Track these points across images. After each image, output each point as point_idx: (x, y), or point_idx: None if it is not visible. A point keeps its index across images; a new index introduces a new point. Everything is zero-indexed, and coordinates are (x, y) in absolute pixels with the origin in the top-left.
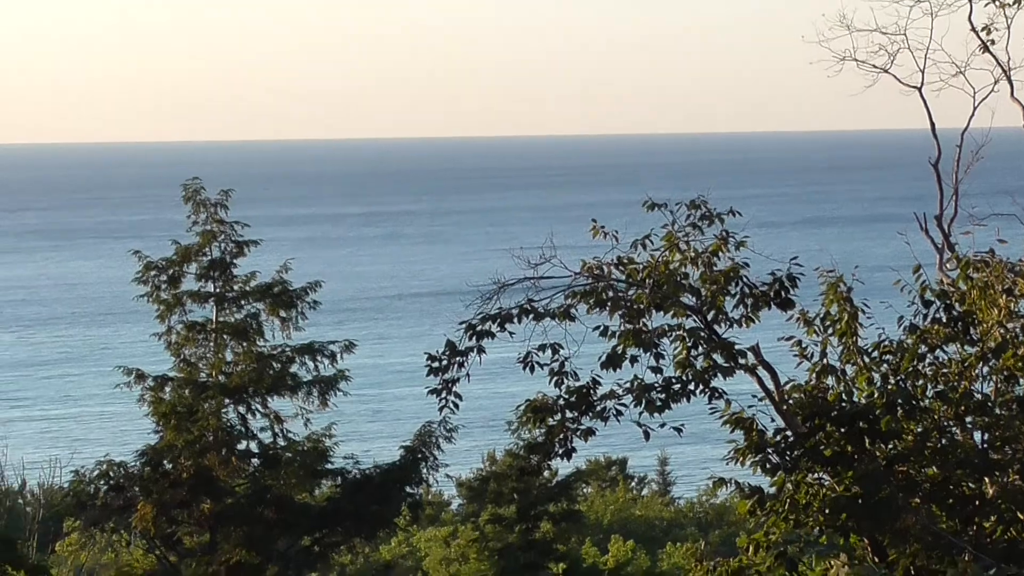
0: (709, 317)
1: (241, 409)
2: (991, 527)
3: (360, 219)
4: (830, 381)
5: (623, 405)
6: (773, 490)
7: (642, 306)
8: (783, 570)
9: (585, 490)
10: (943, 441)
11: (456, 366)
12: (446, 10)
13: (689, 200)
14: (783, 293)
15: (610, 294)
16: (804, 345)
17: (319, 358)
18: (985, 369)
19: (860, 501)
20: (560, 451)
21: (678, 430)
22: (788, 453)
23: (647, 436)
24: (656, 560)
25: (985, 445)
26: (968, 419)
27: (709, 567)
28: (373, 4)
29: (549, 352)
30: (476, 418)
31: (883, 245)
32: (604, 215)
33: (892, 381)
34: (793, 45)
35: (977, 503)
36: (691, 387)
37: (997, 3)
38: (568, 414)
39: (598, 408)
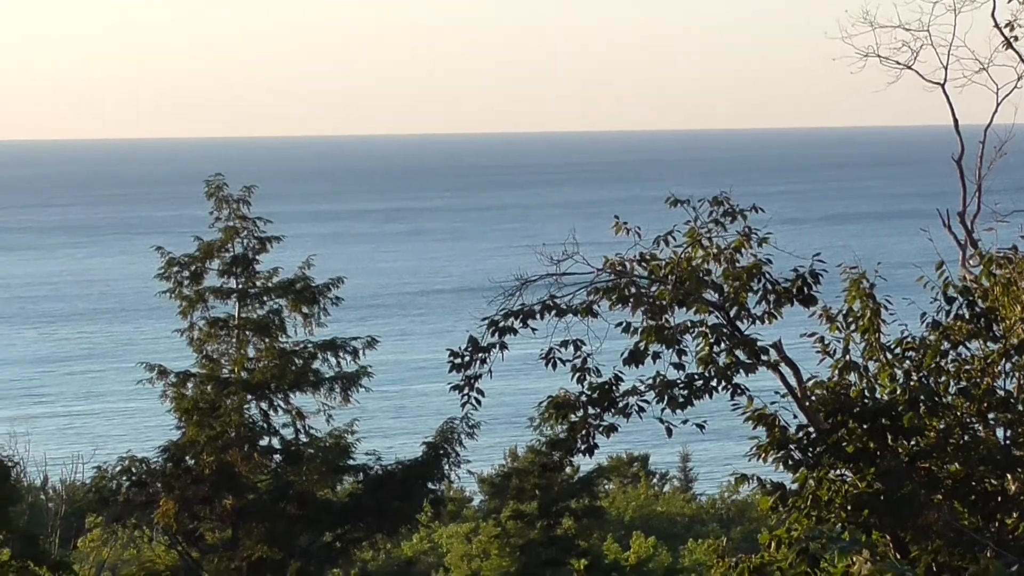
0: (732, 313)
1: (263, 405)
2: (1013, 524)
3: (382, 215)
4: (852, 377)
5: (645, 401)
6: (795, 486)
7: (665, 302)
8: (805, 566)
9: (607, 486)
10: (965, 437)
11: (478, 362)
12: (446, 10)
13: (712, 197)
14: (805, 289)
15: (633, 290)
16: (826, 342)
17: (341, 354)
18: (1008, 365)
19: (882, 497)
20: (582, 447)
21: (700, 427)
22: (810, 449)
23: (669, 432)
24: (678, 556)
25: (1007, 441)
26: (991, 415)
27: (731, 563)
28: (373, 4)
29: (571, 348)
30: (498, 414)
31: (906, 241)
32: (626, 211)
33: (915, 377)
34: (816, 41)
35: (999, 499)
36: (713, 383)
37: (1020, 0)
38: (590, 410)
39: (620, 404)
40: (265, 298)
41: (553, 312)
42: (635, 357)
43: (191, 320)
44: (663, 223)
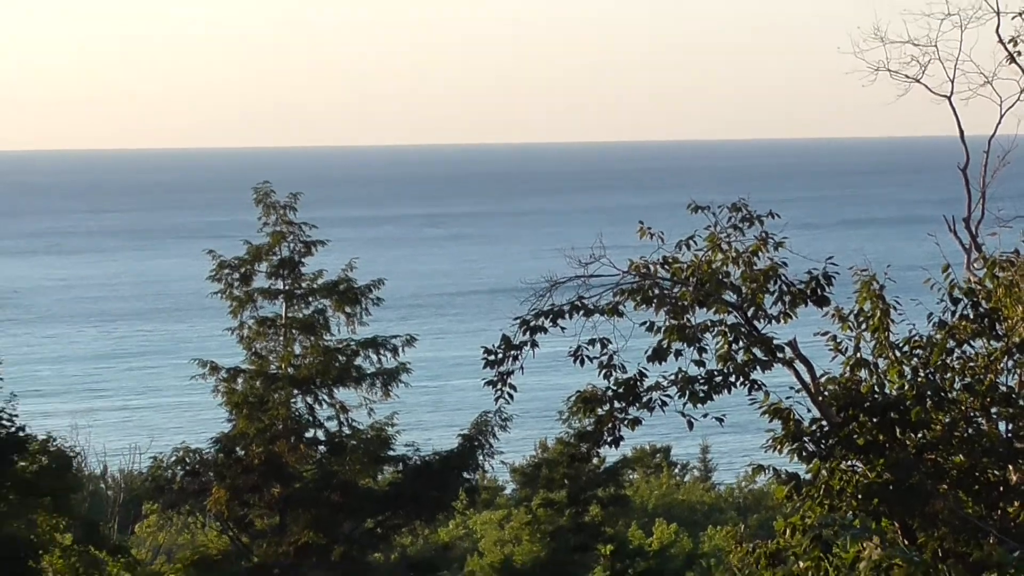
0: (749, 313)
1: (309, 399)
2: (1015, 512)
3: (420, 221)
4: (863, 374)
5: (668, 396)
6: (809, 476)
7: (686, 303)
8: (818, 552)
9: (631, 476)
10: (970, 431)
11: (511, 359)
12: (482, 28)
13: (731, 203)
14: (819, 291)
15: (656, 292)
16: (839, 340)
17: (382, 351)
18: (1010, 363)
19: (891, 487)
20: (608, 439)
21: (719, 420)
22: (823, 442)
23: (690, 425)
24: (698, 542)
25: (1009, 435)
26: (993, 410)
27: (748, 549)
28: (407, 25)
29: (598, 346)
30: (529, 408)
31: (915, 246)
32: (650, 217)
33: (922, 374)
34: (829, 56)
35: (1002, 489)
36: (732, 379)
37: (1023, 17)
38: (616, 404)
39: (644, 399)
40: (310, 298)
41: (581, 312)
42: (658, 354)
43: (241, 319)
44: (685, 228)
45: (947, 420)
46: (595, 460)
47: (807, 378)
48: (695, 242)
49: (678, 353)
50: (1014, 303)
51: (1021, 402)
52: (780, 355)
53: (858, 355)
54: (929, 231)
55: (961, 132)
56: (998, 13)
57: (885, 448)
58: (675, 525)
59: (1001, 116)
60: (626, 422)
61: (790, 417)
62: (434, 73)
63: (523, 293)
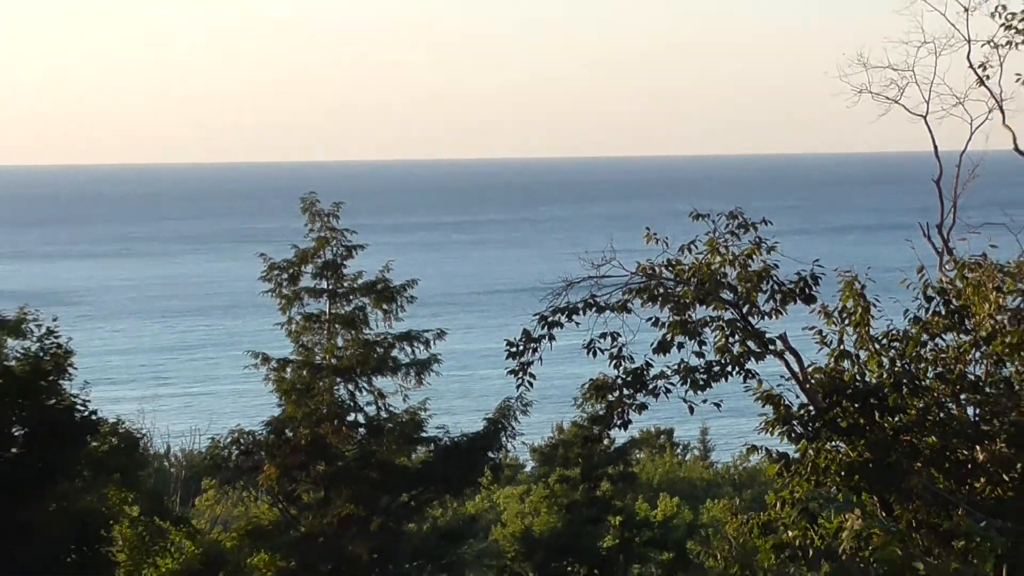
0: (744, 310)
1: (350, 387)
2: (982, 487)
3: (450, 228)
4: (846, 364)
5: (671, 384)
6: (797, 456)
7: (688, 301)
8: (805, 523)
9: (638, 455)
10: (941, 415)
11: (531, 351)
12: (509, 51)
13: (728, 212)
14: (807, 290)
15: (661, 291)
16: (824, 334)
17: (415, 344)
18: (977, 354)
19: (871, 465)
20: (618, 422)
21: (717, 405)
22: (810, 425)
23: (691, 410)
24: (698, 514)
25: (977, 418)
26: (963, 396)
27: (743, 520)
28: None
29: (609, 339)
30: (547, 394)
31: (893, 250)
32: (656, 223)
33: (898, 364)
34: (817, 79)
35: (970, 467)
36: (729, 369)
37: (991, 44)
38: (625, 391)
39: (650, 386)
40: (351, 297)
41: (593, 309)
42: (663, 347)
43: (289, 315)
44: (687, 234)
45: (921, 405)
46: (606, 441)
47: (796, 368)
48: (696, 246)
49: (680, 346)
50: (981, 301)
51: (988, 389)
52: (772, 347)
53: (841, 347)
54: (906, 237)
55: (935, 148)
56: (969, 41)
57: (865, 430)
58: (677, 499)
59: (971, 134)
60: (634, 407)
61: (780, 403)
62: (462, 93)
63: (541, 292)
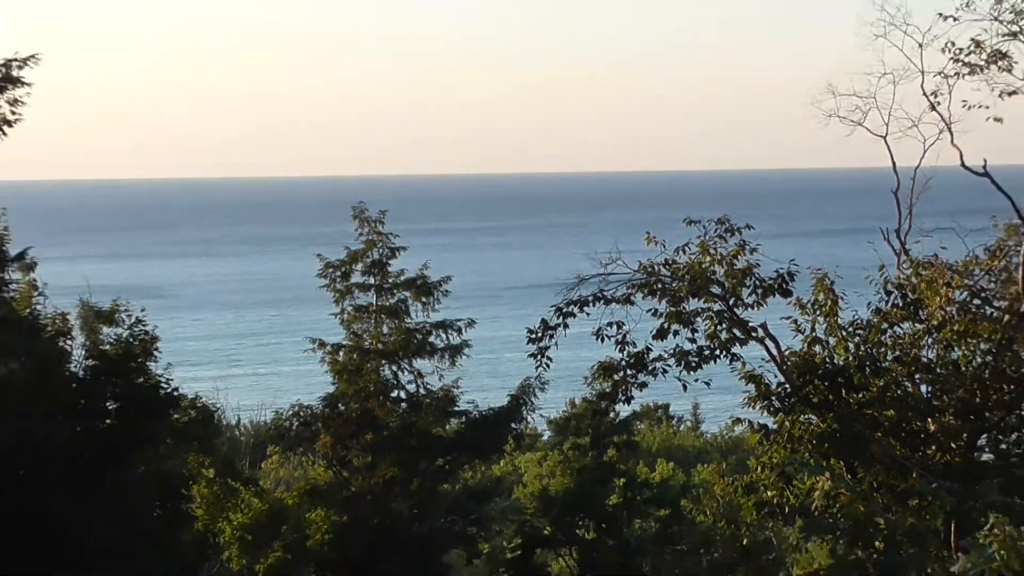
0: (730, 302)
1: (393, 368)
2: (933, 454)
3: (479, 232)
4: (817, 349)
5: (668, 366)
6: (775, 427)
7: (682, 294)
8: (782, 484)
9: (639, 426)
10: (899, 392)
11: (548, 337)
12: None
13: (717, 218)
14: (784, 285)
15: (659, 286)
16: (799, 323)
17: (449, 331)
18: (929, 340)
19: (838, 435)
20: (622, 398)
21: (707, 383)
22: (786, 400)
23: (685, 388)
24: (690, 477)
25: (929, 395)
26: (917, 376)
27: (728, 481)
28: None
29: (615, 327)
30: (562, 374)
31: (858, 251)
32: (655, 228)
33: (862, 349)
34: (796, 105)
35: (923, 436)
36: (717, 353)
37: (942, 75)
38: (628, 372)
39: (650, 368)
40: (395, 291)
41: (601, 301)
42: (661, 334)
43: (342, 307)
44: (682, 237)
45: (881, 384)
46: (612, 414)
47: (774, 352)
48: (689, 248)
49: (676, 333)
50: (933, 295)
51: (938, 370)
52: (754, 334)
53: (813, 334)
54: (869, 240)
55: (894, 164)
56: (923, 72)
57: (834, 405)
58: (672, 464)
59: (924, 152)
60: (636, 385)
61: (761, 381)
62: (493, 116)
63: (557, 287)
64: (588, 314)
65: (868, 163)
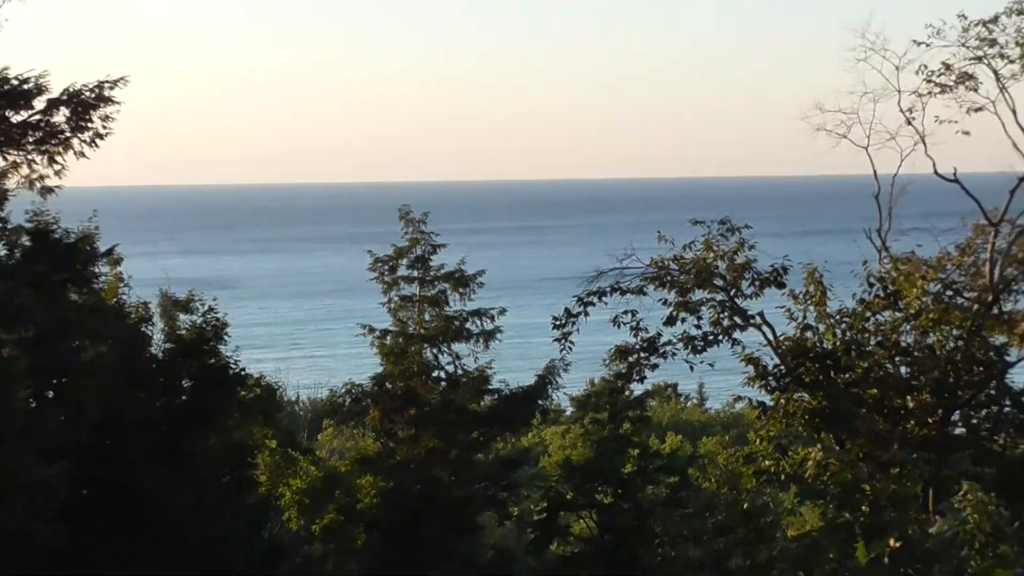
0: (732, 293)
1: (434, 351)
2: (911, 428)
3: (511, 231)
4: (808, 334)
5: (676, 349)
6: (772, 404)
7: (689, 286)
8: (778, 455)
9: (651, 403)
10: (881, 373)
11: (571, 324)
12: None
13: (719, 219)
14: (779, 278)
15: (669, 279)
16: (792, 311)
17: (484, 318)
18: (907, 327)
19: (828, 411)
20: (636, 378)
21: (711, 365)
22: (782, 380)
23: (691, 369)
24: (696, 448)
25: (907, 375)
26: (896, 358)
27: (730, 452)
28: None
29: (630, 315)
30: (583, 357)
31: (845, 248)
32: (665, 228)
33: (848, 334)
34: (787, 119)
35: (903, 412)
36: (720, 338)
37: (917, 94)
38: (641, 355)
39: (661, 351)
40: (435, 283)
41: (618, 292)
42: (670, 321)
43: (389, 297)
44: (689, 236)
45: (865, 365)
46: (627, 392)
47: (771, 337)
48: (695, 245)
49: (683, 320)
50: (910, 287)
51: (916, 353)
52: (752, 322)
53: (805, 321)
54: (853, 239)
55: (875, 172)
56: (899, 92)
57: (823, 384)
58: (680, 436)
59: (901, 161)
60: (648, 366)
61: (759, 363)
62: (517, 125)
63: (579, 280)
64: (606, 303)
65: (852, 171)
